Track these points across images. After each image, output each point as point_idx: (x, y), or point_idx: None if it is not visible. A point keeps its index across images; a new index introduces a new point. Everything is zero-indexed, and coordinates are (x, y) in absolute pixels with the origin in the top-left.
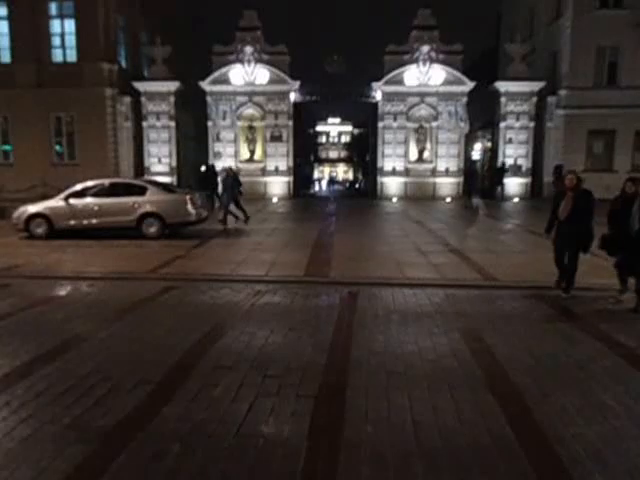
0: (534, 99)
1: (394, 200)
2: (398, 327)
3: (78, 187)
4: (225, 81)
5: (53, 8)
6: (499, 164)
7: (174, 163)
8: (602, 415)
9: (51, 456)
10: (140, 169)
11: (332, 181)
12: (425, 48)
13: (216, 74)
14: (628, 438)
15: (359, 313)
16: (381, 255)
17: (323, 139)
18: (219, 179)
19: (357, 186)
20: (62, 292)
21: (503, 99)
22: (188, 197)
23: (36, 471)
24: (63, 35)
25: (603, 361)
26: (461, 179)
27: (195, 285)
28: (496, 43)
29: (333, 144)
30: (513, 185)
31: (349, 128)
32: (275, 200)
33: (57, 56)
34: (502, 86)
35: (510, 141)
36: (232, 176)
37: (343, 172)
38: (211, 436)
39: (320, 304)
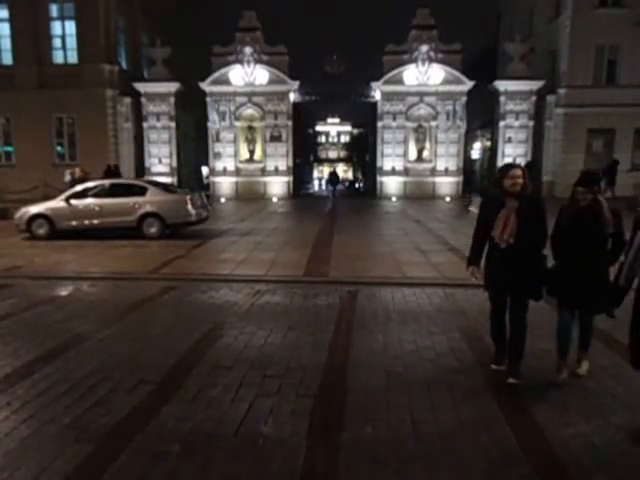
0: (533, 98)
1: (393, 199)
2: (398, 326)
3: (79, 188)
4: (225, 82)
5: (54, 10)
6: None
7: (174, 163)
8: (602, 414)
9: (51, 456)
10: (140, 170)
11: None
12: (424, 48)
13: (216, 75)
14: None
15: (359, 312)
16: (381, 254)
17: (322, 139)
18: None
19: (356, 186)
20: (63, 292)
21: (502, 98)
22: (188, 197)
23: (36, 471)
24: (64, 36)
25: (601, 360)
26: (460, 178)
27: (195, 285)
28: (495, 42)
29: (332, 144)
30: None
31: (348, 128)
32: (275, 200)
33: (58, 57)
34: (501, 85)
35: (509, 140)
36: (79, 178)
37: (343, 172)
38: (211, 436)
39: (320, 303)
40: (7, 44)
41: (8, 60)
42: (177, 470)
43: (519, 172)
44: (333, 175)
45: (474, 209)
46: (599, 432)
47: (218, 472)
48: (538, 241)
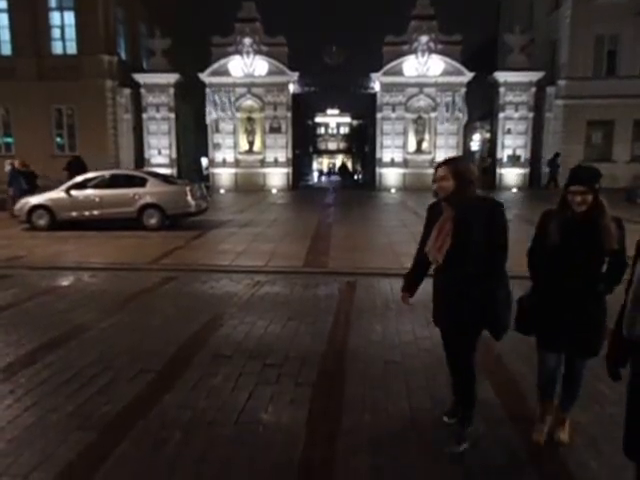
0: (533, 89)
1: (392, 191)
2: (396, 317)
3: (79, 179)
4: (224, 73)
5: (52, 0)
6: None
7: (174, 155)
8: (598, 402)
9: (54, 443)
10: (140, 161)
11: (330, 172)
12: (424, 38)
13: (215, 66)
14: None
15: (357, 303)
16: (379, 246)
17: (322, 130)
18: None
19: (355, 177)
20: (64, 283)
21: (502, 89)
22: (188, 188)
23: (40, 458)
24: (63, 27)
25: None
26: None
27: (195, 276)
28: (495, 33)
29: (332, 135)
30: (511, 175)
31: (348, 119)
32: (274, 191)
33: (57, 48)
34: (501, 76)
35: (509, 132)
36: (19, 170)
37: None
38: (211, 424)
39: (319, 294)
40: (6, 35)
41: (7, 51)
42: (178, 457)
43: (442, 172)
44: (343, 168)
45: None
46: (595, 419)
47: (219, 459)
48: (492, 264)
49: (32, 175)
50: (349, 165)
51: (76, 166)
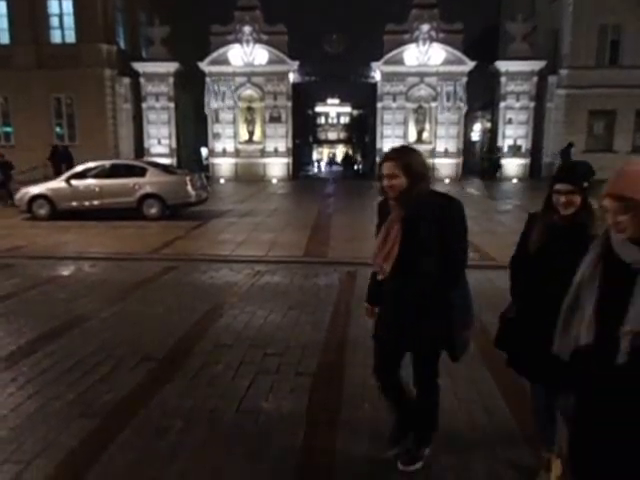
0: (535, 79)
1: None
2: None
3: (79, 168)
4: (224, 62)
5: None
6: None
7: (174, 144)
8: None
9: (57, 431)
10: (140, 150)
11: (331, 162)
12: (425, 27)
13: (215, 55)
14: None
15: (357, 293)
16: None
17: (322, 120)
18: None
19: (356, 167)
20: (65, 272)
21: (503, 79)
22: (188, 178)
23: (42, 445)
24: (61, 16)
25: None
26: (460, 160)
27: (195, 265)
28: (497, 22)
29: (332, 125)
30: (512, 166)
31: (348, 109)
32: (274, 181)
33: (56, 37)
34: (502, 66)
35: (510, 121)
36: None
37: (342, 153)
38: (212, 412)
39: (319, 284)
40: (4, 23)
41: (5, 40)
42: (179, 445)
43: (390, 168)
44: (347, 157)
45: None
46: None
47: (220, 446)
48: (449, 271)
49: (7, 165)
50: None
51: (61, 156)
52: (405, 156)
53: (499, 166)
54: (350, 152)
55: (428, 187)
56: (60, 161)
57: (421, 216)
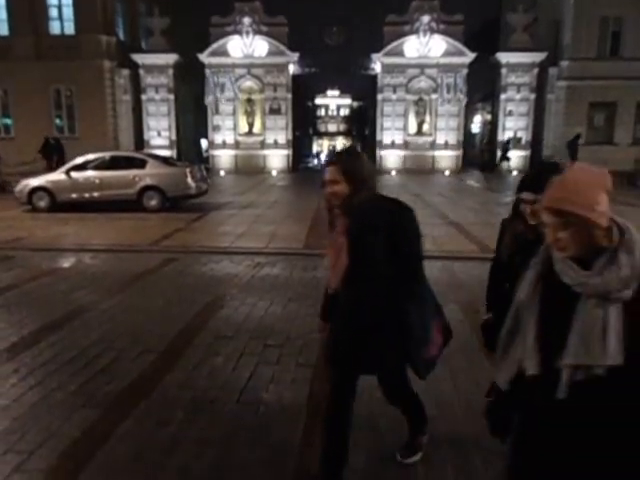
0: (535, 70)
1: (393, 173)
2: None
3: (79, 160)
4: (223, 53)
5: None
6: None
7: (173, 136)
8: None
9: (59, 421)
10: (139, 142)
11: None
12: (425, 18)
13: (214, 46)
14: None
15: None
16: None
17: (322, 112)
18: None
19: None
20: (66, 264)
21: (504, 70)
22: (188, 170)
23: (45, 435)
24: (60, 7)
25: None
26: (460, 152)
27: (195, 257)
28: (497, 13)
29: (332, 117)
30: (512, 158)
31: (348, 101)
32: (274, 173)
33: (55, 28)
34: (503, 57)
35: (510, 113)
36: None
37: (342, 145)
38: (213, 403)
39: (319, 276)
40: (3, 14)
41: (4, 31)
42: (180, 435)
43: (331, 174)
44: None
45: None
46: None
47: (220, 438)
48: (403, 281)
49: None
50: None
51: (52, 148)
52: (346, 161)
53: (507, 159)
54: (354, 144)
55: (372, 193)
56: (51, 153)
57: (366, 224)
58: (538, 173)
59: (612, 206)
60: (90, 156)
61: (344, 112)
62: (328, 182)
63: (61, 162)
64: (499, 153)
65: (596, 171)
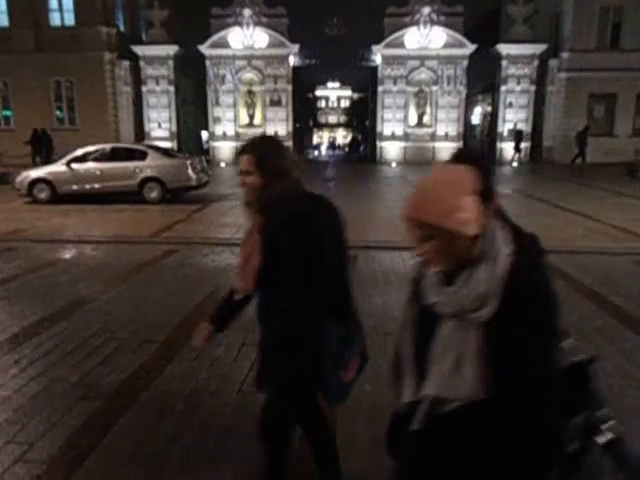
0: (536, 62)
1: (393, 165)
2: (396, 289)
3: (79, 152)
4: (224, 45)
5: None
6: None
7: (174, 128)
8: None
9: (60, 412)
10: (140, 134)
11: (332, 146)
12: (426, 10)
13: (215, 38)
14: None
15: (358, 276)
16: (380, 219)
17: (322, 104)
18: None
19: (361, 149)
20: (67, 255)
21: (504, 62)
22: (188, 162)
23: (46, 426)
24: None
25: (596, 321)
26: (461, 144)
27: (196, 248)
28: (498, 4)
29: (332, 109)
30: (512, 150)
31: (348, 93)
32: None
33: (55, 20)
34: (503, 49)
35: (510, 105)
36: None
37: (342, 137)
38: (214, 393)
39: None
40: (2, 6)
41: (4, 22)
42: (182, 425)
43: (244, 163)
44: (354, 140)
45: None
46: None
47: (221, 427)
48: (320, 292)
49: None
50: (348, 139)
51: (40, 139)
52: (261, 149)
53: (519, 150)
54: (359, 137)
55: (291, 188)
56: (40, 144)
57: (280, 224)
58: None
59: (613, 199)
60: (91, 148)
61: (344, 104)
62: (241, 172)
63: (49, 153)
64: (512, 144)
65: (457, 172)
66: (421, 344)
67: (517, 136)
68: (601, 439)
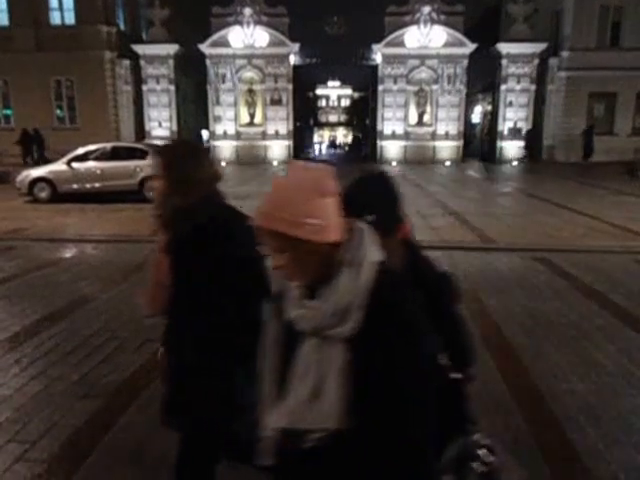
0: (536, 61)
1: (393, 164)
2: None
3: (80, 151)
4: (224, 44)
5: None
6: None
7: (175, 127)
8: (595, 372)
9: (61, 411)
10: (140, 133)
11: (332, 145)
12: (426, 9)
13: (215, 37)
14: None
15: None
16: None
17: (323, 103)
18: None
19: (362, 146)
20: (67, 254)
21: (504, 61)
22: None
23: (47, 425)
24: None
25: (596, 320)
26: (461, 142)
27: None
28: (498, 3)
29: (333, 108)
30: (512, 148)
31: (349, 92)
32: (275, 164)
33: (55, 19)
34: (504, 48)
35: (510, 104)
36: None
37: (343, 136)
38: None
39: None
40: (3, 5)
41: (5, 21)
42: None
43: (155, 168)
44: (356, 139)
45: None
46: (591, 388)
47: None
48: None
49: None
50: (348, 138)
51: (31, 139)
52: (172, 153)
53: (529, 147)
54: (360, 136)
55: (212, 197)
56: (31, 144)
57: (187, 242)
58: (354, 194)
59: (613, 197)
60: (91, 147)
61: (345, 103)
62: (153, 177)
63: (41, 153)
64: (516, 143)
65: (311, 171)
66: (283, 366)
67: (527, 135)
68: (479, 467)
